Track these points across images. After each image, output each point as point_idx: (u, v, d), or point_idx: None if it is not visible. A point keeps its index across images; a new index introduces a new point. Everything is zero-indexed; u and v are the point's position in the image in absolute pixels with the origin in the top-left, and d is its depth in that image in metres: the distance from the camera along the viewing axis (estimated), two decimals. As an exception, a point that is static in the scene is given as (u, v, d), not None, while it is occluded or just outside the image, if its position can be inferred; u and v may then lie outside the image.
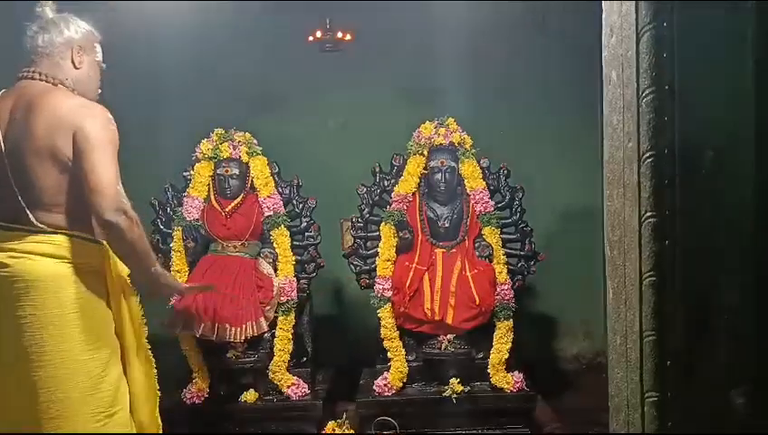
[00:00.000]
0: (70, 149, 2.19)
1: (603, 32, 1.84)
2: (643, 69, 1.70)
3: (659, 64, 1.69)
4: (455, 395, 3.35)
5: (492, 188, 3.62)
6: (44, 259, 2.20)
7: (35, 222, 2.19)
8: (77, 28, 2.34)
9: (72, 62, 2.31)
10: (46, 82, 2.27)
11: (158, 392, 2.52)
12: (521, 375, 3.45)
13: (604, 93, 1.86)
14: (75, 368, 2.20)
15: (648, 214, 1.73)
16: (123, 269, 2.39)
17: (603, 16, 1.86)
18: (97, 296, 2.28)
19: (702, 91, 1.72)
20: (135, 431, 2.37)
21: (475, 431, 3.40)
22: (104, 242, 2.31)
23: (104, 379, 2.25)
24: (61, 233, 2.22)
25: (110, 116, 2.25)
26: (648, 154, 1.71)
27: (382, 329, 3.47)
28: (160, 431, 2.50)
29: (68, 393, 2.20)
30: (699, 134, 1.72)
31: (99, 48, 2.42)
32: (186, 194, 3.59)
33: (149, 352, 2.45)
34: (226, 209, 3.58)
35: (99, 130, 2.21)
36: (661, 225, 1.73)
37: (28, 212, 2.17)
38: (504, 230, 3.61)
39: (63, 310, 2.19)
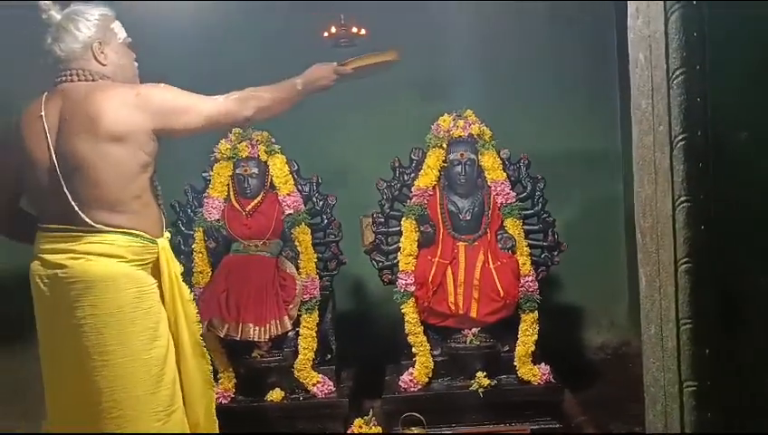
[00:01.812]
0: (150, 146, 2.23)
1: (629, 13, 1.79)
2: (672, 49, 1.66)
3: (690, 44, 1.65)
4: (481, 389, 3.32)
5: (512, 179, 3.58)
6: (103, 259, 2.18)
7: (91, 222, 2.16)
8: (88, 24, 2.23)
9: (97, 61, 2.25)
10: (86, 80, 2.23)
11: (215, 389, 2.51)
12: (547, 367, 3.41)
13: (631, 77, 1.81)
14: (137, 367, 2.20)
15: (683, 199, 1.68)
16: (178, 267, 2.38)
17: (628, -2, 1.82)
18: (153, 295, 2.27)
19: (734, 70, 1.68)
20: (189, 430, 2.34)
21: (502, 425, 3.36)
22: (158, 241, 2.30)
23: (162, 378, 2.25)
24: (118, 232, 2.20)
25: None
26: (680, 137, 1.67)
27: (406, 324, 3.44)
28: (216, 429, 2.48)
29: (133, 392, 2.19)
30: (733, 115, 1.68)
31: (117, 26, 2.32)
32: (206, 195, 3.59)
33: (204, 348, 2.44)
34: (247, 209, 3.57)
35: (165, 96, 2.24)
36: (696, 210, 1.68)
37: (81, 213, 2.15)
38: (527, 221, 3.56)
39: (123, 309, 2.18)
